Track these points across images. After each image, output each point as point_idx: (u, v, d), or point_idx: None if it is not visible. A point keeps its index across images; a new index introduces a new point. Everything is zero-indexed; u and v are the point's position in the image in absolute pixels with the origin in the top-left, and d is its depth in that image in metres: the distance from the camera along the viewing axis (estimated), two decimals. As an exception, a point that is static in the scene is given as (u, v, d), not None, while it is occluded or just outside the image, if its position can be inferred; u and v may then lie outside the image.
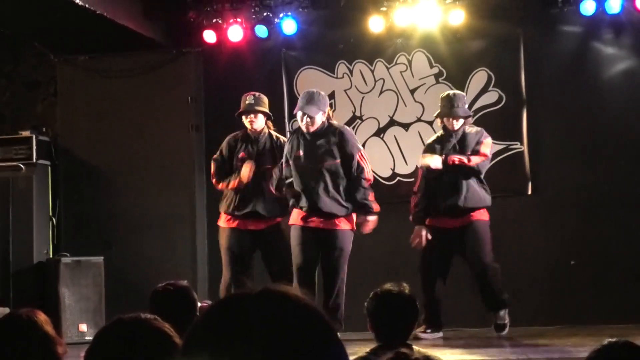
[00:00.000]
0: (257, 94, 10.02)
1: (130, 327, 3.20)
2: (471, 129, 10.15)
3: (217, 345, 1.49)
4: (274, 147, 10.02)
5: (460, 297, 11.29)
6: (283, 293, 1.54)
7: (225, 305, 1.55)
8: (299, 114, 9.56)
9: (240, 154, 9.96)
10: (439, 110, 10.12)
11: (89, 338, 10.59)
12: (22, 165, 10.70)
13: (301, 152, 9.60)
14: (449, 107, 10.01)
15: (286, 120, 12.18)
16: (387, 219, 11.71)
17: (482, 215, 10.03)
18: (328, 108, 9.77)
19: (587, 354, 4.22)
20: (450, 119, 9.98)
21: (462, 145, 9.98)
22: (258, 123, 10.02)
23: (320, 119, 9.49)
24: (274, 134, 10.16)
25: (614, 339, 4.29)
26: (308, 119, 9.49)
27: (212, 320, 1.54)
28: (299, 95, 12.11)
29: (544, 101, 11.72)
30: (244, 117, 9.99)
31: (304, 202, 9.55)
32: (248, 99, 9.98)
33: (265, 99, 10.08)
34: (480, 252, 9.82)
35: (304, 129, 9.56)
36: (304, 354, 1.47)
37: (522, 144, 11.71)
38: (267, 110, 10.10)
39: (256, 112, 9.96)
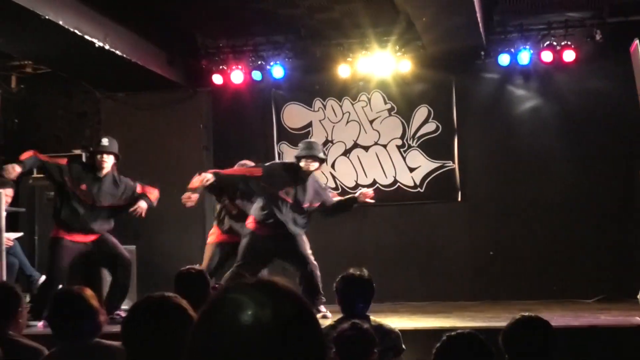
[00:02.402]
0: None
1: (157, 303, 3.22)
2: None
3: (213, 327, 1.47)
4: None
5: (406, 275, 11.36)
6: (271, 282, 1.52)
7: (225, 293, 1.53)
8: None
9: None
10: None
11: (125, 307, 10.55)
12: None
13: None
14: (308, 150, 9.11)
15: (275, 144, 12.21)
16: (350, 219, 11.79)
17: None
18: None
19: (506, 324, 4.24)
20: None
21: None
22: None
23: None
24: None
25: (526, 313, 4.33)
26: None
27: (213, 307, 1.51)
28: (285, 124, 12.19)
29: (470, 130, 11.77)
30: None
31: None
32: None
33: None
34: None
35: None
36: (288, 333, 1.45)
37: (454, 162, 11.76)
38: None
39: None
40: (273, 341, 1.43)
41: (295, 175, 9.03)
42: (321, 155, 9.16)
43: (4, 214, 9.79)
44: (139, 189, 9.21)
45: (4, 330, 4.73)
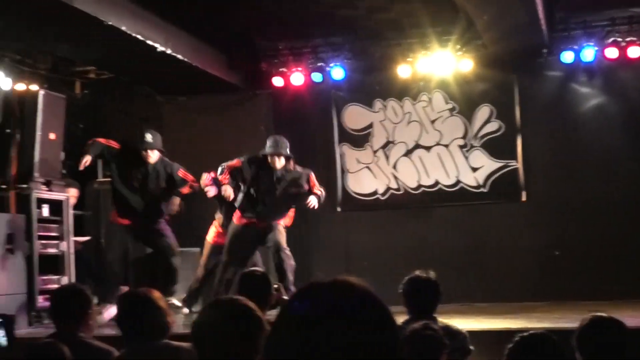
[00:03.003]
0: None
1: (226, 305, 3.25)
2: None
3: (292, 326, 1.48)
4: None
5: (470, 275, 11.30)
6: (348, 282, 1.53)
7: (303, 292, 1.54)
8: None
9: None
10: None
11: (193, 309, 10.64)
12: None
13: None
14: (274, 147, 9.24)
15: (335, 146, 12.22)
16: (414, 220, 11.76)
17: None
18: None
19: (577, 325, 4.18)
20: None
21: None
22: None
23: None
24: None
25: (597, 313, 4.26)
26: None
27: (292, 305, 1.52)
28: (346, 126, 12.19)
29: (534, 128, 11.67)
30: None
31: None
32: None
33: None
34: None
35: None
36: (363, 333, 1.46)
37: (517, 161, 11.67)
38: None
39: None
40: (352, 341, 1.44)
41: (268, 168, 9.23)
42: (285, 152, 9.25)
43: (71, 219, 9.98)
44: (181, 173, 9.58)
45: (75, 332, 4.80)
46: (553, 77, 11.66)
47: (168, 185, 9.55)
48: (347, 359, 1.43)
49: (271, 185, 9.25)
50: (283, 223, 9.49)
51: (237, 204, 9.39)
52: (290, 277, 9.15)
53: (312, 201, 9.25)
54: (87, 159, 9.21)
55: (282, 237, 9.34)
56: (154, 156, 9.44)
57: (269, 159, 9.20)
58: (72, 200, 10.30)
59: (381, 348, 1.47)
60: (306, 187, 9.35)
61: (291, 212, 9.69)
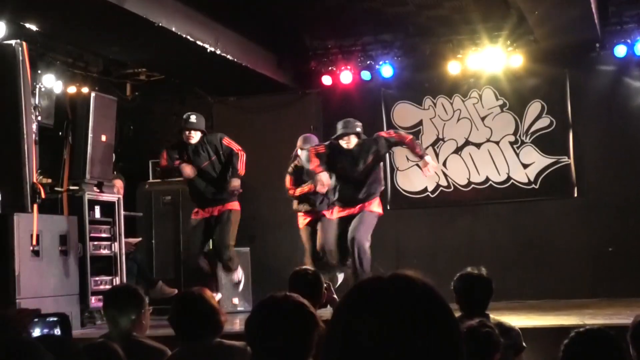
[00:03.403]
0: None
1: (280, 302, 3.24)
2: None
3: (353, 321, 1.47)
4: None
5: (521, 272, 11.21)
6: (409, 277, 1.52)
7: (363, 286, 1.53)
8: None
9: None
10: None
11: (240, 309, 10.71)
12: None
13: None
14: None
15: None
16: (464, 217, 11.71)
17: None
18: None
19: (632, 321, 4.13)
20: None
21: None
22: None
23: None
24: None
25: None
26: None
27: (352, 299, 1.51)
28: (395, 123, 12.16)
29: (585, 124, 11.54)
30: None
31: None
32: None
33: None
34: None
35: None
36: (425, 326, 1.45)
37: (569, 157, 11.55)
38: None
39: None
40: (413, 337, 1.43)
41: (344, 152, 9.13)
42: (355, 130, 9.15)
43: (123, 220, 10.08)
44: (225, 141, 9.54)
45: (128, 331, 4.84)
46: (605, 72, 11.51)
47: (219, 157, 9.50)
48: (408, 356, 1.42)
49: (352, 166, 9.15)
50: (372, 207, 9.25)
51: (332, 196, 9.31)
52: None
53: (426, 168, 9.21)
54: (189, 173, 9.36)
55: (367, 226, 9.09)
56: (196, 137, 9.43)
57: (342, 141, 9.13)
58: (120, 190, 10.43)
59: (443, 345, 1.46)
60: (383, 150, 9.24)
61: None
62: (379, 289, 1.50)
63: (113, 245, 9.93)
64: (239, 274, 9.74)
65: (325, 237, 9.45)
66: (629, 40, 10.89)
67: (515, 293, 10.62)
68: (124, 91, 12.80)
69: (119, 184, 10.69)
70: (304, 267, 5.80)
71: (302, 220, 10.14)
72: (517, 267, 11.31)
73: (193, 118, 9.49)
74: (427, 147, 12.01)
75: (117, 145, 10.98)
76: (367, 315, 1.46)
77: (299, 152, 9.90)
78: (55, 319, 3.53)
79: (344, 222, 9.12)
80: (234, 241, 9.51)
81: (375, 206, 9.23)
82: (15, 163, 8.40)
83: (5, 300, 8.09)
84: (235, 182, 9.35)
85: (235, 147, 9.50)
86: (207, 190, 9.43)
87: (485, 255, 10.77)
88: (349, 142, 9.10)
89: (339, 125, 9.22)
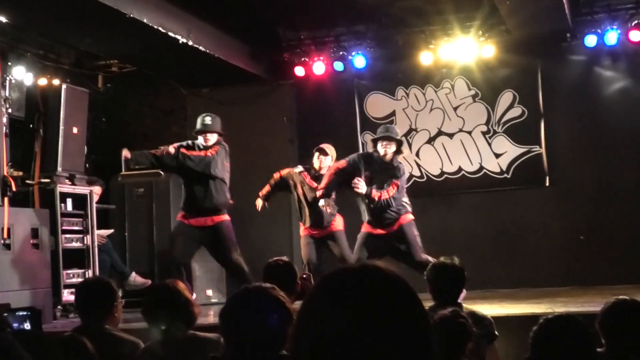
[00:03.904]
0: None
1: (254, 294, 3.23)
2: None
3: (322, 311, 1.47)
4: None
5: (494, 261, 11.26)
6: (377, 267, 1.52)
7: (332, 278, 1.53)
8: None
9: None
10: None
11: (214, 300, 10.70)
12: (161, 172, 10.70)
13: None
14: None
15: (358, 134, 12.20)
16: (437, 207, 11.73)
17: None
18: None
19: (600, 309, 4.15)
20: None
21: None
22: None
23: None
24: None
25: (620, 297, 4.24)
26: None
27: (320, 290, 1.52)
28: (368, 114, 12.17)
29: (557, 114, 11.58)
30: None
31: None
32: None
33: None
34: None
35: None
36: (393, 317, 1.45)
37: (540, 147, 11.60)
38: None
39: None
40: (381, 327, 1.43)
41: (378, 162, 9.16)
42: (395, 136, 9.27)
43: (95, 213, 10.02)
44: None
45: (101, 324, 4.82)
46: (576, 62, 11.57)
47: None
48: (377, 346, 1.42)
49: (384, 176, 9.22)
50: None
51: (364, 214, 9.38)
52: None
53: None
54: None
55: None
56: (212, 139, 9.17)
57: (379, 147, 9.17)
58: (96, 198, 10.34)
59: (412, 335, 1.46)
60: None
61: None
62: (347, 280, 1.50)
63: (85, 238, 9.87)
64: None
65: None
66: (599, 30, 10.92)
67: (489, 282, 10.67)
68: (96, 83, 12.74)
69: (97, 190, 10.59)
70: (277, 257, 5.79)
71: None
72: (490, 257, 11.37)
73: (208, 120, 9.19)
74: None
75: (90, 137, 10.91)
76: (336, 306, 1.46)
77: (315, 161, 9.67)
78: (25, 313, 3.50)
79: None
80: (237, 250, 9.37)
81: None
82: (-14, 156, 8.34)
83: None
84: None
85: (210, 152, 9.20)
86: (206, 198, 9.16)
87: (458, 245, 10.79)
88: (389, 147, 9.15)
89: (380, 129, 9.39)
